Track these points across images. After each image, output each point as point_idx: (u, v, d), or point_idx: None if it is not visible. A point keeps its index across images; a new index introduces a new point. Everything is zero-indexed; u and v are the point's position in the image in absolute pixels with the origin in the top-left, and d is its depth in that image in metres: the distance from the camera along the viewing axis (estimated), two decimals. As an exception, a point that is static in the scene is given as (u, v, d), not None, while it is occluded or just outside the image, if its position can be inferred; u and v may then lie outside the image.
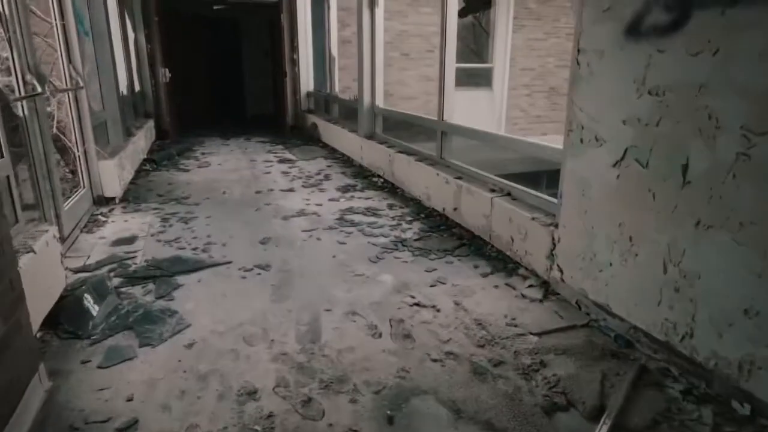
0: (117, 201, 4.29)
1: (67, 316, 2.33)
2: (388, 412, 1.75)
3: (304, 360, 2.06)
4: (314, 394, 1.84)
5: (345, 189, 4.92)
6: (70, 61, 3.80)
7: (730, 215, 1.70)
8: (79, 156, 3.95)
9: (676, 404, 1.79)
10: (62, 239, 3.22)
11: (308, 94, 9.04)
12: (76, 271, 2.91)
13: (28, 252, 2.12)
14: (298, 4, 8.54)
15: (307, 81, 8.97)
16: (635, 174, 2.05)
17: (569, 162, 2.44)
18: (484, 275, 2.89)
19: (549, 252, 2.65)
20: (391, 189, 4.87)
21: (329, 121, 7.46)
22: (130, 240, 3.43)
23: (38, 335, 2.20)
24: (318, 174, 5.64)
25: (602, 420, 1.69)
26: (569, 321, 2.35)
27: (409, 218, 3.95)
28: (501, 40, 10.68)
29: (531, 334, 2.24)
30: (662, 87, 1.90)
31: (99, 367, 2.01)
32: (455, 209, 3.67)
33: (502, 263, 3.03)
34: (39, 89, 2.91)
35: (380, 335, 2.26)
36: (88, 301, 2.42)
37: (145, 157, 6.24)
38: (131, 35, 7.17)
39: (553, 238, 2.61)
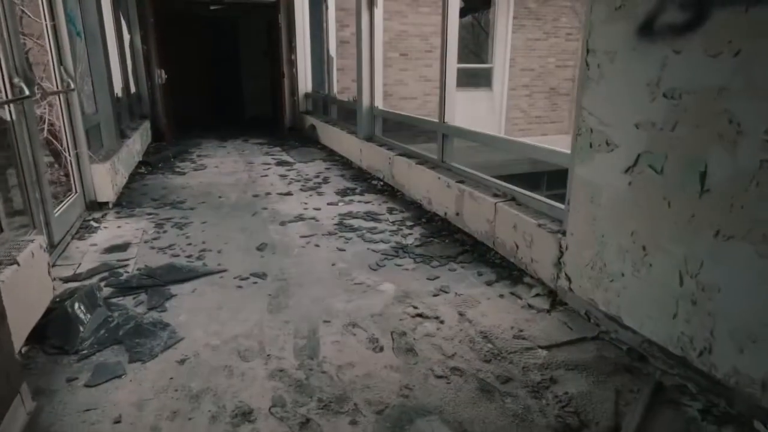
0: (110, 206, 4.19)
1: (54, 329, 2.22)
2: (391, 434, 1.65)
3: (302, 377, 1.96)
4: (312, 415, 1.74)
5: (344, 192, 4.82)
6: (61, 62, 3.70)
7: (753, 226, 1.60)
8: (70, 160, 3.84)
9: (695, 424, 1.69)
10: (52, 246, 3.12)
11: (306, 96, 8.94)
12: (66, 280, 2.80)
13: (11, 264, 2.02)
14: (296, 5, 8.44)
15: (305, 82, 8.87)
16: (649, 181, 1.96)
17: (577, 167, 2.34)
18: (489, 283, 2.79)
19: (556, 260, 2.55)
20: (391, 192, 4.77)
21: (328, 123, 7.36)
22: (123, 247, 3.33)
23: (23, 350, 2.10)
24: (316, 177, 5.54)
25: (618, 443, 1.60)
26: (579, 333, 2.25)
27: (409, 223, 3.85)
28: (501, 40, 10.60)
29: (539, 347, 2.14)
30: (678, 90, 1.80)
31: (86, 386, 1.90)
32: (457, 214, 3.58)
33: (507, 271, 2.94)
34: (27, 92, 2.80)
35: (381, 349, 2.16)
36: (77, 313, 2.32)
37: (141, 159, 6.13)
38: (126, 36, 7.07)
39: (560, 246, 2.51)
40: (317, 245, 3.41)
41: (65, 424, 1.69)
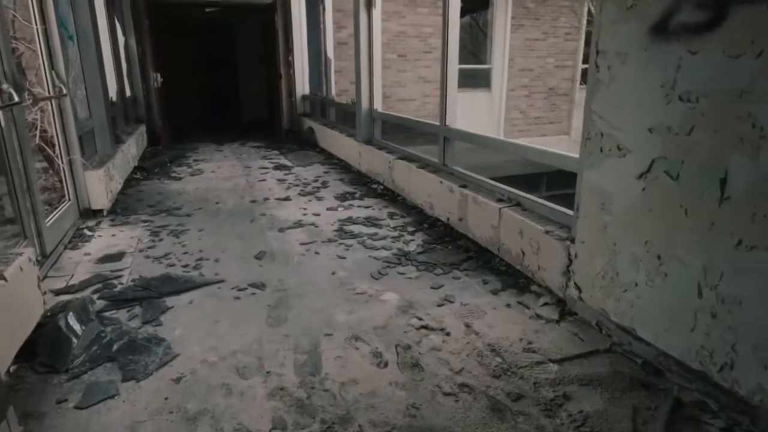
0: (105, 213, 4.09)
1: (44, 347, 2.13)
2: (399, 459, 1.57)
3: (303, 395, 1.87)
4: (315, 438, 1.66)
5: (343, 197, 4.74)
6: (52, 66, 3.61)
7: (778, 236, 1.52)
8: (63, 167, 3.75)
9: (718, 444, 1.61)
10: (44, 257, 3.03)
11: (304, 98, 8.85)
12: (58, 293, 2.71)
13: (-2, 279, 1.93)
14: (293, 6, 8.36)
15: (302, 84, 8.79)
16: (664, 187, 1.87)
17: (587, 172, 2.26)
18: (495, 292, 2.71)
19: (565, 268, 2.47)
20: (391, 196, 4.69)
21: (326, 126, 7.28)
22: (117, 257, 3.24)
23: (11, 369, 2.01)
24: (315, 181, 5.45)
25: (638, 466, 1.51)
26: (590, 345, 2.17)
27: (411, 229, 3.77)
28: (499, 40, 10.53)
29: (550, 361, 2.06)
30: (695, 92, 1.72)
31: (77, 408, 1.81)
32: (460, 219, 3.49)
33: (513, 278, 2.85)
34: (16, 98, 2.71)
35: (386, 364, 2.07)
36: (68, 329, 2.22)
37: (136, 164, 6.04)
38: (121, 39, 6.97)
39: (569, 254, 2.43)
40: (317, 253, 3.32)
41: (54, 451, 1.61)
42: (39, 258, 2.97)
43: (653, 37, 1.85)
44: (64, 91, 3.64)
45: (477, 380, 1.95)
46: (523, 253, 2.81)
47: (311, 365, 2.06)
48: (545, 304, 2.53)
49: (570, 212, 2.55)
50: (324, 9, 7.86)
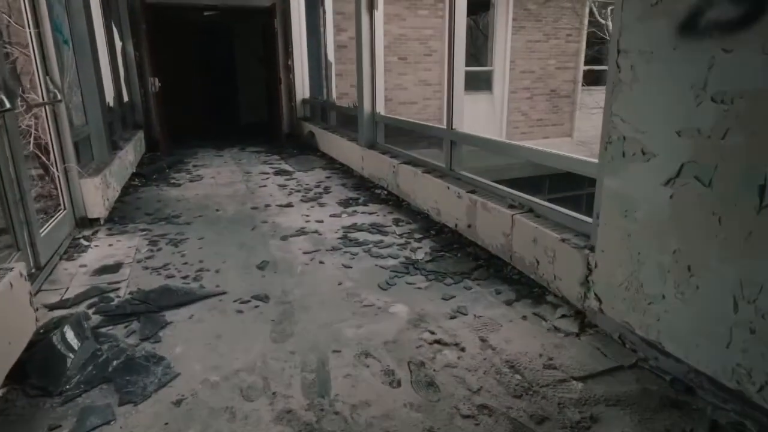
0: (101, 222, 3.97)
1: (36, 367, 2.01)
2: (418, 491, 1.45)
3: (312, 419, 1.75)
4: (327, 468, 1.54)
5: (346, 203, 4.62)
6: (47, 72, 3.50)
7: (827, 247, 1.41)
8: (58, 175, 3.63)
9: (761, 471, 1.49)
10: (38, 269, 2.91)
11: (304, 102, 8.75)
12: (52, 308, 2.59)
13: (-14, 298, 1.81)
14: (292, 9, 8.27)
15: (302, 88, 8.69)
16: (695, 194, 1.76)
17: (608, 178, 2.14)
18: (509, 303, 2.59)
19: (583, 278, 2.35)
20: (395, 202, 4.58)
21: (327, 130, 7.17)
22: (115, 268, 3.12)
23: (1, 393, 1.89)
24: (317, 186, 5.34)
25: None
26: (615, 360, 2.05)
27: (418, 235, 3.65)
28: (500, 42, 10.44)
29: (574, 378, 1.94)
30: (730, 93, 1.61)
31: (70, 435, 1.69)
32: (469, 226, 3.38)
33: (527, 288, 2.74)
34: (8, 105, 2.59)
35: (399, 383, 1.95)
36: (61, 348, 2.10)
37: (134, 171, 5.92)
38: (118, 43, 6.87)
39: (588, 263, 2.32)
40: (321, 262, 3.20)
41: (44, 486, 1.48)
42: (33, 270, 2.85)
43: (682, 35, 1.74)
44: (59, 97, 3.53)
45: (497, 401, 1.83)
46: (538, 262, 2.70)
47: (320, 385, 1.95)
48: (563, 316, 2.41)
49: (588, 219, 2.44)
50: (324, 12, 7.76)
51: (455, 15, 3.60)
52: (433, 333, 2.31)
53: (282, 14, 8.35)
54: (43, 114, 3.53)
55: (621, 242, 2.10)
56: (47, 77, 3.48)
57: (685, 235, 1.82)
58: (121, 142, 5.73)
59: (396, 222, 3.99)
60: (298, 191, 5.14)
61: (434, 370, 2.03)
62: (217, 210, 4.46)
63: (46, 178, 4.80)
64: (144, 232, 3.81)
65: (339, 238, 3.65)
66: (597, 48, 11.72)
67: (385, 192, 4.89)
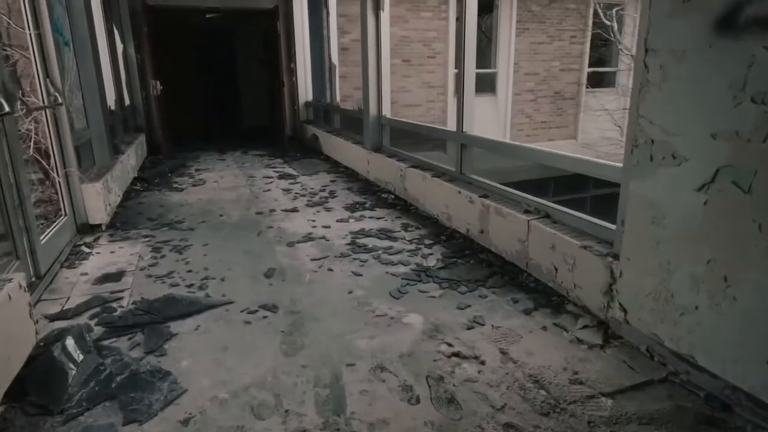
0: (103, 228, 3.88)
1: (36, 383, 1.92)
2: None
3: (328, 440, 1.66)
4: (346, 494, 1.44)
5: (353, 207, 4.53)
6: (47, 74, 3.41)
7: None
8: (59, 181, 3.54)
9: (812, 498, 1.39)
10: (38, 278, 2.82)
11: (307, 104, 8.67)
12: (52, 318, 2.49)
13: (-17, 311, 1.72)
14: (295, 11, 8.19)
15: (305, 90, 8.61)
16: (732, 200, 1.67)
17: (634, 183, 2.05)
18: (527, 312, 2.49)
19: (606, 287, 2.25)
20: (403, 206, 4.48)
21: (331, 133, 7.08)
22: (117, 276, 3.02)
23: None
24: (322, 190, 5.24)
25: None
26: (644, 375, 1.95)
27: (428, 241, 3.55)
28: (504, 44, 10.37)
29: (602, 395, 1.84)
30: (772, 93, 1.52)
31: (71, 458, 1.60)
32: (482, 232, 3.28)
33: (545, 297, 2.64)
34: (7, 108, 2.50)
35: (418, 400, 1.85)
36: (62, 363, 2.01)
37: (136, 175, 5.83)
38: (120, 46, 6.79)
39: (611, 272, 2.22)
40: (330, 269, 3.10)
41: None
42: (32, 279, 2.75)
43: (718, 33, 1.65)
44: (60, 100, 3.44)
45: (523, 419, 1.73)
46: (556, 270, 2.60)
47: (334, 402, 1.85)
48: (585, 326, 2.31)
49: (611, 226, 2.34)
50: (328, 14, 7.67)
51: (466, 19, 3.51)
52: (450, 345, 2.21)
53: (285, 16, 8.27)
54: (44, 117, 3.44)
55: (649, 250, 2.00)
56: (47, 80, 3.39)
57: (720, 243, 1.72)
58: (122, 145, 5.64)
59: (405, 227, 3.90)
60: (303, 195, 5.04)
61: (454, 385, 1.93)
62: (221, 215, 4.37)
63: (47, 182, 4.71)
64: (147, 239, 3.72)
65: (347, 244, 3.55)
66: (602, 49, 11.64)
67: (392, 196, 4.80)
